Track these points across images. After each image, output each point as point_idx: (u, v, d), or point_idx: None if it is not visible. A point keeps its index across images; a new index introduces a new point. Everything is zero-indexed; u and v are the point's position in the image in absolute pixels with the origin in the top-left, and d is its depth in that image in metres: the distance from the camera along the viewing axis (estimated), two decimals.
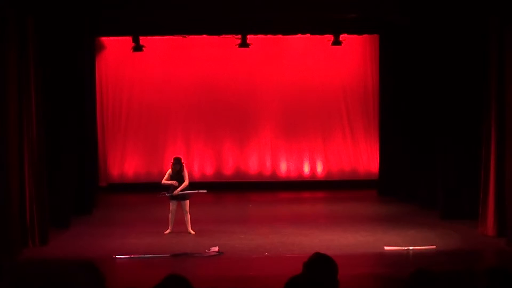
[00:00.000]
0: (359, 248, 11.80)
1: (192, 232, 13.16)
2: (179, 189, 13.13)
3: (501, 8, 12.04)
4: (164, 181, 13.25)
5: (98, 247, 11.95)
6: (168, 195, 13.24)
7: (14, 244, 11.21)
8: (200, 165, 19.26)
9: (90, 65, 17.18)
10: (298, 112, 19.19)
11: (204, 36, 17.57)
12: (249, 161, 19.34)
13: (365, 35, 18.45)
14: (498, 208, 12.34)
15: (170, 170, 13.32)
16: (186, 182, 13.20)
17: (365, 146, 19.36)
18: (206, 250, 11.56)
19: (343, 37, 17.56)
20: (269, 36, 17.77)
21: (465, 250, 11.66)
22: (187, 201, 13.18)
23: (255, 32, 17.13)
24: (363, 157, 19.37)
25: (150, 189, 18.58)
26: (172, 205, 13.23)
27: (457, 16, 13.62)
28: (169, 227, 13.23)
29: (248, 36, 17.31)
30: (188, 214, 13.18)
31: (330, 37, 17.62)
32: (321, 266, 4.49)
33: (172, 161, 13.43)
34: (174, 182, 13.12)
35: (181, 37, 18.05)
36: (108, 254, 11.23)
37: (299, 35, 17.77)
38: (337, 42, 17.61)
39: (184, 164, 13.40)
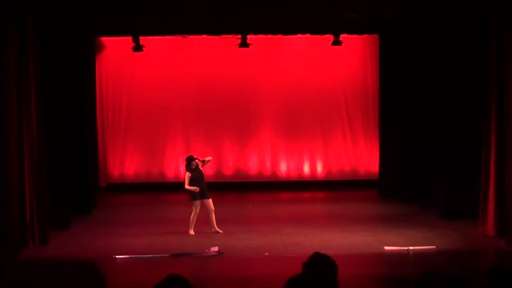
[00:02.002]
0: (359, 248, 11.80)
1: (220, 231, 13.07)
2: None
3: (501, 9, 12.04)
4: (187, 187, 13.04)
5: (98, 247, 11.95)
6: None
7: (14, 244, 11.21)
8: None
9: (90, 65, 17.17)
10: (298, 112, 19.18)
11: (204, 36, 17.56)
12: (249, 161, 19.33)
13: (365, 35, 18.44)
14: (498, 208, 12.34)
15: (187, 173, 13.05)
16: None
17: (365, 146, 19.35)
18: (206, 250, 11.56)
19: (343, 37, 17.54)
20: (269, 36, 17.76)
21: (465, 250, 11.66)
22: (210, 200, 13.08)
23: (255, 32, 17.11)
24: (363, 157, 19.36)
25: (150, 189, 18.66)
26: (196, 207, 13.04)
27: (457, 17, 13.62)
28: (191, 228, 13.09)
29: (248, 36, 17.30)
30: (213, 213, 13.09)
31: (330, 37, 17.60)
32: (321, 266, 4.48)
33: (185, 162, 13.35)
34: (195, 188, 12.96)
35: (181, 37, 18.04)
36: (108, 254, 11.24)
37: (299, 35, 17.76)
38: (337, 42, 17.60)
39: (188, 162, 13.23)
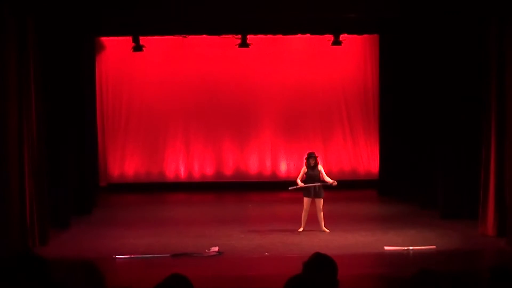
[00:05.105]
0: (359, 248, 11.81)
1: (327, 230, 13.11)
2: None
3: (501, 8, 12.04)
4: (299, 182, 13.24)
5: (98, 247, 11.95)
6: (298, 187, 13.25)
7: (14, 244, 11.21)
8: (200, 165, 19.25)
9: (90, 65, 17.17)
10: (298, 112, 19.18)
11: (204, 36, 17.55)
12: (249, 161, 19.33)
13: (365, 35, 18.44)
14: (498, 208, 12.35)
15: (304, 167, 13.32)
16: (323, 179, 13.10)
17: (365, 146, 19.35)
18: (206, 250, 11.56)
19: (343, 37, 17.54)
20: (269, 36, 17.75)
21: (465, 250, 11.67)
22: (321, 200, 13.11)
23: (255, 32, 17.10)
24: (363, 157, 19.36)
25: (150, 189, 18.66)
26: (306, 204, 13.16)
27: (457, 16, 13.62)
28: (302, 226, 13.22)
29: (248, 36, 17.29)
30: (322, 212, 13.12)
31: (330, 37, 17.59)
32: (321, 266, 4.49)
33: (305, 156, 13.45)
34: (301, 184, 13.20)
35: (181, 37, 18.04)
36: (108, 254, 11.24)
37: (299, 35, 17.75)
38: (337, 42, 17.59)
39: (318, 158, 13.36)
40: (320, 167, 13.21)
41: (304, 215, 13.19)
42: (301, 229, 13.18)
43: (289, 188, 13.54)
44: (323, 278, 4.36)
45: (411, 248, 11.63)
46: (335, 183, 13.11)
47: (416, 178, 16.09)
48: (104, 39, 18.41)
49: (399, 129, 17.16)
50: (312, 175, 13.13)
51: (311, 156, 13.28)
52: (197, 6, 13.59)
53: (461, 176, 14.09)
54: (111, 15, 14.26)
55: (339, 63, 19.17)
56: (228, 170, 19.32)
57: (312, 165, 13.19)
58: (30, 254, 4.40)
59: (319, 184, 13.09)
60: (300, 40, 18.43)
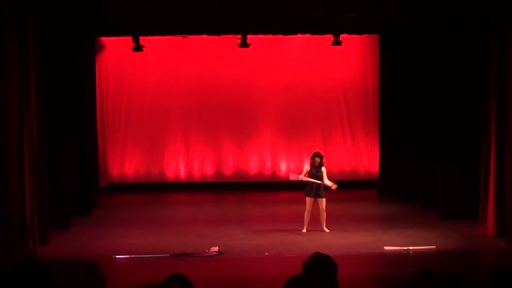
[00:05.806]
0: (359, 248, 11.80)
1: (327, 230, 13.12)
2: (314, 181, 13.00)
3: (501, 8, 12.05)
4: (303, 177, 13.18)
5: (98, 247, 11.96)
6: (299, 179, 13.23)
7: (14, 244, 11.21)
8: (200, 165, 19.25)
9: (90, 65, 17.17)
10: (298, 112, 19.18)
11: (204, 36, 17.56)
12: (249, 161, 19.32)
13: (365, 35, 18.43)
14: (498, 208, 12.35)
15: (308, 166, 13.31)
16: (323, 181, 13.02)
17: (365, 146, 19.34)
18: (206, 250, 11.56)
19: (343, 37, 17.53)
20: (269, 36, 17.75)
21: (465, 250, 11.68)
22: (324, 199, 13.07)
23: (255, 32, 17.10)
24: (363, 157, 19.36)
25: (150, 189, 18.66)
26: (308, 203, 13.14)
27: (457, 17, 13.62)
28: (305, 226, 13.18)
29: (248, 36, 17.29)
30: (324, 212, 13.10)
31: (330, 37, 17.59)
32: (321, 266, 4.49)
33: (312, 155, 13.39)
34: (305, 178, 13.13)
35: (181, 37, 18.04)
36: (108, 254, 11.24)
37: (299, 35, 17.76)
38: (337, 42, 17.58)
39: (324, 159, 13.28)
40: (323, 169, 13.15)
41: (306, 215, 13.17)
42: (304, 230, 13.16)
43: (290, 176, 13.49)
44: (323, 278, 4.36)
45: (411, 248, 11.63)
46: (335, 186, 13.08)
47: (416, 178, 16.08)
48: (104, 39, 18.40)
49: (399, 129, 17.16)
50: (315, 175, 13.10)
51: (317, 155, 13.24)
52: (197, 6, 13.59)
53: (461, 176, 14.09)
54: (111, 15, 14.26)
55: (339, 63, 19.17)
56: (228, 170, 19.32)
57: (317, 164, 13.13)
58: (30, 262, 4.39)
59: (320, 182, 13.05)
60: (300, 40, 18.43)
